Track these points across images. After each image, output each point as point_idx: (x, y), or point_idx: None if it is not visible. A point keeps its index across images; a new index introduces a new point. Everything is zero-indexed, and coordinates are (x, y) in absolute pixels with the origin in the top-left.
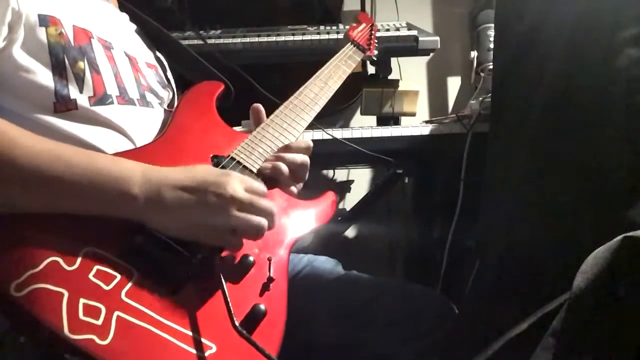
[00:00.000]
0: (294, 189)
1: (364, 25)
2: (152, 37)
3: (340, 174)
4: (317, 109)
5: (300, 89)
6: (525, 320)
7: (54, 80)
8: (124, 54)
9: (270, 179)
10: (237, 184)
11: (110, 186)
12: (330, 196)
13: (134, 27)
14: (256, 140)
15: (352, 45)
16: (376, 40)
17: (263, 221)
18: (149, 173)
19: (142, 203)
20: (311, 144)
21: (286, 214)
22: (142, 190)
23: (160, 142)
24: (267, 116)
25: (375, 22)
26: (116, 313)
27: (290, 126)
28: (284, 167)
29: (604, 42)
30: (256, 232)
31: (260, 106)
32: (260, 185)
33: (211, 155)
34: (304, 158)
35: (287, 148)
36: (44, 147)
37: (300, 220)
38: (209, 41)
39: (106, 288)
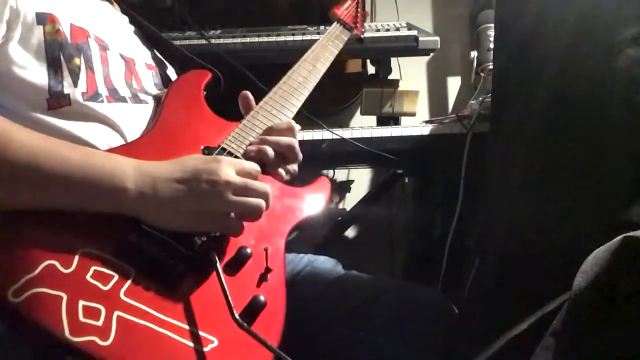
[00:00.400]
0: (282, 171)
1: (349, 2)
2: (151, 40)
3: (340, 174)
4: (306, 92)
5: (288, 73)
6: (525, 320)
7: (48, 77)
8: (120, 55)
9: (257, 163)
10: (229, 168)
11: (104, 182)
12: (323, 181)
13: (135, 29)
14: (246, 129)
15: (339, 25)
16: (363, 17)
17: (259, 202)
18: (141, 168)
19: (136, 198)
20: (294, 124)
21: (280, 202)
22: (135, 185)
23: (150, 135)
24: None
25: (375, 22)
26: (116, 313)
27: (280, 112)
28: (269, 150)
29: (604, 42)
30: (255, 214)
31: (248, 93)
32: (252, 166)
33: (202, 147)
34: (289, 139)
35: (269, 130)
36: (39, 143)
37: (294, 208)
38: (211, 41)
39: (104, 288)
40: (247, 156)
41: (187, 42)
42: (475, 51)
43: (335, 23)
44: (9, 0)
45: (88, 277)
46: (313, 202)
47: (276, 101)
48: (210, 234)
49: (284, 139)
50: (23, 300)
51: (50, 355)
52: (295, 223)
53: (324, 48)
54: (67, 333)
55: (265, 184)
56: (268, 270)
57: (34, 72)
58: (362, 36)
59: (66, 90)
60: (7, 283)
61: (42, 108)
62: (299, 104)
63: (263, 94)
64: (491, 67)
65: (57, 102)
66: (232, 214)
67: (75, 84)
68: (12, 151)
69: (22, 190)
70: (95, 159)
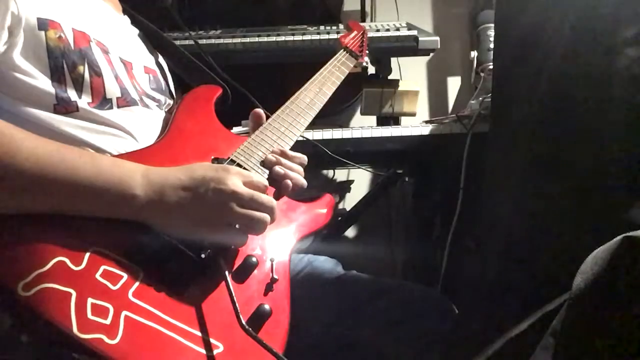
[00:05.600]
0: (288, 182)
1: (355, 32)
2: (152, 41)
3: (340, 174)
4: (313, 113)
5: (296, 94)
6: (525, 320)
7: (53, 85)
8: (119, 59)
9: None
10: (237, 179)
11: (111, 188)
12: (328, 198)
13: (137, 31)
14: (255, 144)
15: (345, 52)
16: (367, 49)
17: (265, 216)
18: (150, 174)
19: (144, 204)
20: (305, 159)
21: (286, 216)
22: (143, 191)
23: (161, 145)
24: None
25: (375, 22)
26: (124, 312)
27: (288, 130)
28: (288, 163)
29: (604, 42)
30: (259, 228)
31: (261, 112)
32: (260, 179)
33: (212, 157)
34: (300, 169)
35: (283, 154)
36: (46, 150)
37: (300, 222)
38: (209, 41)
39: (113, 288)
40: (266, 162)
41: (187, 42)
42: (475, 51)
43: (342, 50)
44: (10, 6)
45: (97, 275)
46: (317, 217)
47: (284, 119)
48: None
49: (297, 167)
50: (33, 294)
51: (57, 351)
52: (299, 237)
53: (331, 73)
54: (75, 329)
55: (271, 198)
56: (274, 280)
57: (39, 79)
58: (365, 65)
59: (72, 98)
60: (18, 277)
61: (49, 113)
62: (306, 124)
63: (262, 96)
64: (491, 67)
65: (65, 108)
66: (237, 225)
67: (80, 95)
68: (20, 161)
69: (30, 199)
70: (103, 166)
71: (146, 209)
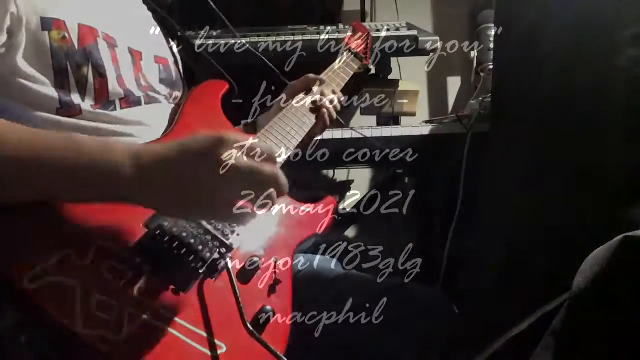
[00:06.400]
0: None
1: (360, 34)
2: (163, 27)
3: (340, 174)
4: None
5: (301, 95)
6: (525, 320)
7: (56, 88)
8: (128, 50)
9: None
10: (234, 151)
11: (99, 174)
12: (329, 200)
13: (150, 13)
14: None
15: (350, 54)
16: (371, 51)
17: (270, 191)
18: (140, 153)
19: (137, 187)
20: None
21: (289, 217)
22: (134, 173)
23: (167, 140)
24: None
25: (375, 22)
26: (128, 309)
27: (294, 129)
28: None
29: (604, 42)
30: (264, 204)
31: (312, 77)
32: (263, 146)
33: None
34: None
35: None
36: (29, 138)
37: (302, 224)
38: (209, 41)
39: (118, 284)
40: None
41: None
42: (475, 51)
43: (347, 52)
44: (9, 7)
45: (103, 270)
46: (319, 219)
47: (290, 119)
48: (224, 241)
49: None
50: (38, 287)
51: (61, 346)
52: (301, 239)
53: (336, 74)
54: (79, 325)
55: (274, 168)
56: (277, 281)
57: (41, 82)
58: (370, 67)
59: (76, 101)
60: (24, 269)
61: (52, 116)
62: (311, 124)
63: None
64: (491, 67)
65: (68, 112)
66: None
67: (83, 98)
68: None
69: (14, 188)
70: (93, 154)
71: (139, 192)
